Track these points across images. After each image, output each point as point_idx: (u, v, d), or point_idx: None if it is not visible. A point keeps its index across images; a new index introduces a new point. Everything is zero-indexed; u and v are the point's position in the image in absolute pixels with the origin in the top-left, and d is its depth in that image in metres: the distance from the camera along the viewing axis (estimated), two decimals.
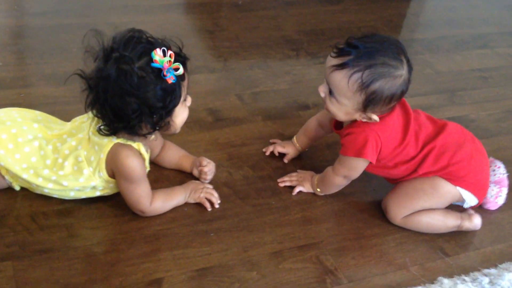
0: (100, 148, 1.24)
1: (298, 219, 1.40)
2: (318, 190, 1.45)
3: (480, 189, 1.39)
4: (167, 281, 1.20)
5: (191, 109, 1.30)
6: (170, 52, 1.16)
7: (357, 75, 1.22)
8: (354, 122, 1.33)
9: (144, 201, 1.28)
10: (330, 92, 1.28)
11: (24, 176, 1.26)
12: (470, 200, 1.39)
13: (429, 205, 1.38)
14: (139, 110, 1.15)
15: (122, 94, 1.14)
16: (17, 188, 1.32)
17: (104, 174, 1.25)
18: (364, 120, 1.30)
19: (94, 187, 1.28)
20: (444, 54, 2.30)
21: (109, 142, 1.23)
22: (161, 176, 1.45)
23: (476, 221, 1.42)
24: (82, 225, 1.29)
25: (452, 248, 1.40)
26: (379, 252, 1.36)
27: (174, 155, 1.47)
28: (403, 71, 1.25)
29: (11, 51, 1.85)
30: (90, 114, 1.31)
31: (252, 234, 1.34)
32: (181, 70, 1.17)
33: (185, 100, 1.25)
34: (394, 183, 1.43)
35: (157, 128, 1.22)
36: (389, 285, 1.28)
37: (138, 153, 1.25)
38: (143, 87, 1.13)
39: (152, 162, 1.44)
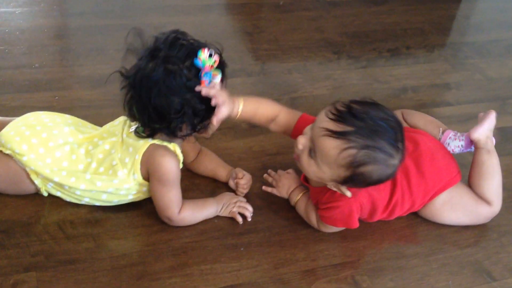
0: (135, 150, 1.22)
1: (334, 235, 1.33)
2: (297, 210, 1.37)
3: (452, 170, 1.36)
4: None
5: None
6: (216, 56, 1.15)
7: (351, 152, 1.11)
8: (333, 194, 1.24)
9: (173, 207, 1.24)
10: (310, 151, 1.18)
11: (56, 179, 1.23)
12: None
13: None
14: (182, 111, 1.14)
15: (167, 94, 1.13)
16: (45, 194, 1.30)
17: (139, 176, 1.23)
18: (335, 189, 1.21)
19: (128, 189, 1.25)
20: (496, 58, 2.18)
21: (145, 143, 1.21)
22: (192, 185, 1.41)
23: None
24: (110, 235, 1.25)
25: (500, 271, 1.30)
26: (420, 274, 1.27)
27: (211, 163, 1.43)
28: (396, 161, 1.15)
29: (48, 52, 1.84)
30: (121, 117, 1.30)
31: (284, 249, 1.28)
32: (218, 78, 1.16)
33: None
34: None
35: (197, 130, 1.20)
36: None
37: (174, 155, 1.23)
38: (189, 88, 1.13)
39: (186, 169, 1.40)
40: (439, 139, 1.43)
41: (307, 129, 1.20)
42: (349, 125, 1.11)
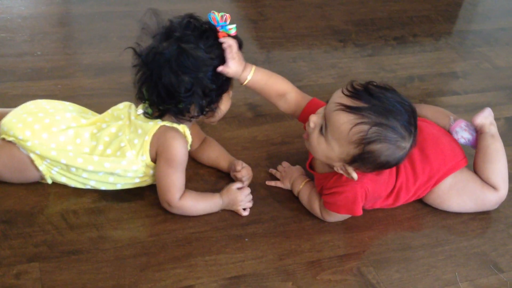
0: (145, 131, 1.22)
1: (339, 225, 1.32)
2: (300, 199, 1.36)
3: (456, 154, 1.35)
4: None
5: (231, 103, 1.28)
6: (227, 15, 1.19)
7: (363, 127, 1.10)
8: (338, 179, 1.23)
9: (174, 191, 1.23)
10: (321, 128, 1.17)
11: (63, 160, 1.23)
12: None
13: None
14: (192, 90, 1.15)
15: (179, 72, 1.14)
16: (49, 181, 1.28)
17: (147, 157, 1.23)
18: (341, 172, 1.20)
19: (135, 171, 1.25)
20: (504, 47, 2.15)
21: (155, 125, 1.22)
22: (196, 175, 1.40)
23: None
24: (113, 226, 1.24)
25: (507, 263, 1.29)
26: (426, 265, 1.26)
27: (214, 151, 1.41)
28: (408, 144, 1.14)
29: (51, 40, 1.82)
30: (126, 102, 1.31)
31: (289, 240, 1.27)
32: (234, 29, 1.20)
33: (231, 89, 1.26)
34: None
35: (205, 112, 1.21)
36: None
37: (184, 136, 1.24)
38: (201, 67, 1.15)
39: (190, 158, 1.38)
40: (450, 125, 1.41)
41: (320, 110, 1.20)
42: (363, 102, 1.11)
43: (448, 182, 1.33)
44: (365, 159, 1.14)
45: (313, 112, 1.24)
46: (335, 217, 1.30)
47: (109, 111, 1.32)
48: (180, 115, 1.21)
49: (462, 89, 1.88)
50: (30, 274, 1.12)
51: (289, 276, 1.19)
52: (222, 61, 1.19)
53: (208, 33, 1.18)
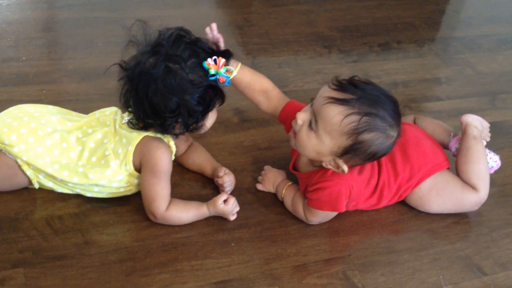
0: (129, 141, 1.21)
1: (325, 230, 1.32)
2: (284, 203, 1.36)
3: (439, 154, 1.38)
4: None
5: (217, 108, 1.27)
6: (222, 61, 1.18)
7: (354, 117, 1.13)
8: (323, 174, 1.24)
9: (159, 201, 1.22)
10: (311, 123, 1.19)
11: (49, 170, 1.22)
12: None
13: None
14: (177, 111, 1.15)
15: (165, 93, 1.13)
16: (37, 186, 1.28)
17: (131, 167, 1.22)
18: (330, 167, 1.21)
19: (120, 181, 1.24)
20: (486, 53, 2.18)
21: (139, 135, 1.21)
22: (182, 180, 1.40)
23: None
24: (98, 231, 1.24)
25: (491, 266, 1.30)
26: (411, 269, 1.27)
27: (199, 157, 1.41)
28: (395, 133, 1.18)
29: (36, 45, 1.81)
30: (112, 108, 1.29)
31: (275, 245, 1.27)
32: (235, 73, 1.22)
33: (218, 105, 1.25)
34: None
35: (190, 129, 1.21)
36: None
37: (168, 146, 1.23)
38: (187, 89, 1.14)
39: (176, 164, 1.38)
40: (449, 142, 1.43)
41: (306, 108, 1.22)
42: (351, 94, 1.15)
43: (428, 183, 1.35)
44: (356, 150, 1.16)
45: (292, 112, 1.25)
46: (318, 216, 1.30)
47: (96, 114, 1.32)
48: (164, 132, 1.21)
49: (445, 94, 1.90)
50: (14, 280, 1.11)
51: (275, 280, 1.20)
52: (206, 82, 1.17)
53: (197, 50, 1.17)
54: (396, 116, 1.17)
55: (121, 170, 1.23)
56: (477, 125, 1.40)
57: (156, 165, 1.20)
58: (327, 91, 1.17)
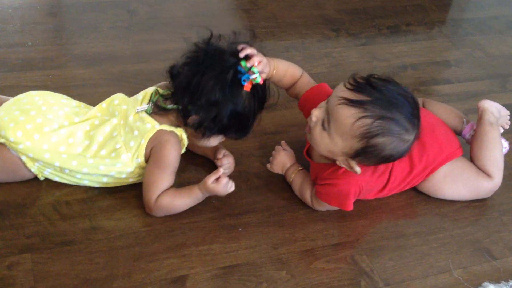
0: (141, 134, 1.20)
1: (333, 214, 1.32)
2: (292, 187, 1.35)
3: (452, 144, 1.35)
4: (191, 278, 1.14)
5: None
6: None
7: (366, 121, 1.09)
8: (335, 171, 1.23)
9: (154, 190, 1.20)
10: (324, 123, 1.16)
11: (57, 163, 1.21)
12: None
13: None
14: (211, 104, 1.15)
15: (218, 85, 1.14)
16: (42, 178, 1.27)
17: (142, 160, 1.21)
18: (343, 166, 1.19)
19: (130, 173, 1.24)
20: (496, 35, 2.15)
21: (152, 129, 1.20)
22: (188, 165, 1.39)
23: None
24: (106, 216, 1.24)
25: (500, 250, 1.29)
26: (420, 253, 1.26)
27: None
28: (411, 137, 1.14)
29: (41, 30, 1.80)
30: (119, 95, 1.29)
31: (282, 229, 1.27)
32: (258, 77, 1.16)
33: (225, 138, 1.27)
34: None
35: (198, 130, 1.20)
36: None
37: (179, 141, 1.22)
38: (235, 100, 1.15)
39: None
40: (461, 129, 1.42)
41: (323, 103, 1.19)
42: (366, 95, 1.10)
43: (443, 170, 1.33)
44: (368, 153, 1.13)
45: (309, 104, 1.23)
46: (325, 206, 1.30)
47: (103, 105, 1.29)
48: (180, 116, 1.19)
49: (455, 77, 1.87)
50: (22, 265, 1.11)
51: (283, 265, 1.19)
52: (251, 113, 1.20)
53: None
54: (413, 119, 1.13)
55: (132, 163, 1.22)
56: (494, 111, 1.38)
57: (163, 157, 1.19)
58: (342, 91, 1.13)
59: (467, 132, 1.41)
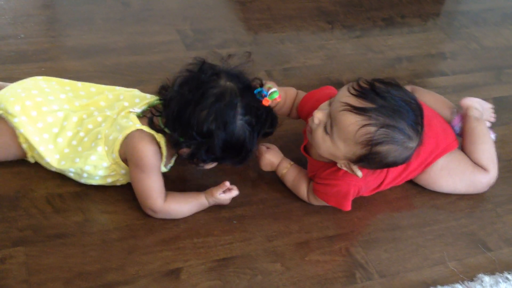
0: (121, 129, 1.18)
1: (328, 207, 1.31)
2: (284, 182, 1.34)
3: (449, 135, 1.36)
4: (185, 271, 1.13)
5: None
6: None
7: (370, 129, 1.08)
8: (335, 172, 1.22)
9: (154, 195, 1.18)
10: (326, 127, 1.15)
11: (41, 148, 1.20)
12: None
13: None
14: (201, 138, 1.11)
15: (211, 115, 1.09)
16: (32, 160, 1.26)
17: (117, 156, 1.19)
18: (345, 168, 1.19)
19: (106, 169, 1.20)
20: (491, 27, 2.14)
21: (132, 126, 1.17)
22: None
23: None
24: (99, 209, 1.23)
25: (495, 242, 1.29)
26: (415, 245, 1.26)
27: None
28: (415, 144, 1.13)
29: (34, 22, 1.78)
30: (134, 93, 1.27)
31: (277, 222, 1.26)
32: (276, 93, 1.15)
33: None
34: None
35: (191, 161, 1.17)
36: (425, 282, 1.18)
37: (155, 142, 1.17)
38: (227, 130, 1.10)
39: None
40: (451, 119, 1.41)
41: (324, 105, 1.17)
42: (370, 102, 1.09)
43: (440, 163, 1.33)
44: (371, 159, 1.12)
45: (312, 100, 1.24)
46: (321, 203, 1.29)
47: (110, 95, 1.28)
48: (172, 145, 1.16)
49: (450, 69, 1.87)
50: (15, 259, 1.10)
51: (278, 257, 1.19)
52: (247, 145, 1.15)
53: (254, 111, 1.14)
54: (417, 126, 1.12)
55: (107, 157, 1.19)
56: (477, 106, 1.39)
57: (141, 159, 1.16)
58: (345, 96, 1.11)
59: (456, 123, 1.40)
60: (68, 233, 1.17)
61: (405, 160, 1.15)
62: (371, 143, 1.09)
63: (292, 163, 1.34)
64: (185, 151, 1.15)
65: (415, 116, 1.11)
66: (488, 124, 1.41)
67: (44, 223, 1.18)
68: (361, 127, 1.08)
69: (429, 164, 1.32)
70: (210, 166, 1.21)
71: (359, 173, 1.17)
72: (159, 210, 1.19)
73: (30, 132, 1.20)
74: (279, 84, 1.66)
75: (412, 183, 1.39)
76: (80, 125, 1.23)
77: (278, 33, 1.93)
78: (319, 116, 1.15)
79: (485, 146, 1.36)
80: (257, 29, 1.93)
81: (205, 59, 1.16)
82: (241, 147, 1.14)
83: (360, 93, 1.10)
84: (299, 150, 1.34)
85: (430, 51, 1.97)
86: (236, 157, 1.16)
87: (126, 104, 1.25)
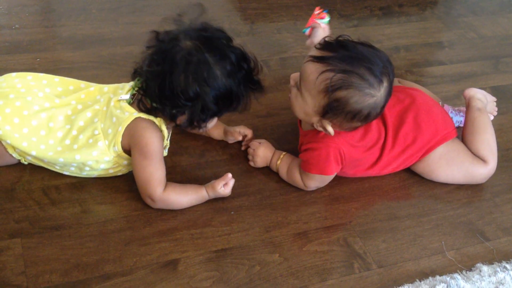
0: (119, 122, 1.17)
1: (325, 197, 1.31)
2: (280, 174, 1.34)
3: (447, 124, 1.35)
4: (183, 262, 1.13)
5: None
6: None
7: (328, 75, 1.11)
8: (315, 135, 1.23)
9: (154, 183, 1.17)
10: (297, 84, 1.19)
11: (33, 152, 1.19)
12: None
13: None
14: (193, 100, 1.11)
15: (190, 78, 1.10)
16: (26, 163, 1.25)
17: (119, 148, 1.18)
18: (320, 129, 1.20)
19: (108, 162, 1.20)
20: (489, 16, 2.13)
21: (130, 116, 1.16)
22: (180, 148, 1.38)
23: None
24: (96, 201, 1.22)
25: (493, 231, 1.29)
26: (413, 235, 1.26)
27: None
28: (377, 93, 1.13)
29: (29, 13, 1.77)
30: (113, 85, 1.26)
31: (275, 212, 1.26)
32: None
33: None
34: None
35: (192, 126, 1.17)
36: (423, 272, 1.18)
37: (158, 128, 1.18)
38: (213, 85, 1.11)
39: (176, 132, 1.34)
40: None
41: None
42: (332, 52, 1.14)
43: (439, 151, 1.33)
44: (334, 108, 1.14)
45: None
46: (314, 180, 1.28)
47: (91, 88, 1.27)
48: (169, 119, 1.17)
49: (448, 59, 1.86)
50: (12, 250, 1.10)
51: (275, 247, 1.18)
52: (234, 89, 1.15)
53: (229, 55, 1.14)
54: (382, 76, 1.13)
55: (109, 151, 1.19)
56: (481, 97, 1.38)
57: (146, 146, 1.16)
58: (312, 51, 1.17)
59: None
60: (65, 224, 1.16)
61: (372, 110, 1.15)
62: (329, 89, 1.12)
63: (284, 153, 1.34)
64: (182, 119, 1.16)
65: (379, 66, 1.13)
66: (491, 117, 1.40)
67: (40, 215, 1.17)
68: (320, 74, 1.12)
69: (428, 151, 1.32)
70: (211, 123, 1.22)
71: (330, 130, 1.18)
72: (158, 199, 1.19)
73: (17, 140, 1.18)
74: (276, 73, 1.67)
75: (410, 172, 1.38)
76: (68, 122, 1.20)
77: (275, 23, 1.91)
78: (293, 76, 1.21)
79: (485, 136, 1.35)
80: (254, 19, 1.92)
81: (157, 31, 1.16)
82: (230, 93, 1.15)
83: (324, 46, 1.16)
84: (297, 141, 1.34)
85: (427, 40, 1.96)
86: (231, 105, 1.18)
87: (112, 96, 1.22)
